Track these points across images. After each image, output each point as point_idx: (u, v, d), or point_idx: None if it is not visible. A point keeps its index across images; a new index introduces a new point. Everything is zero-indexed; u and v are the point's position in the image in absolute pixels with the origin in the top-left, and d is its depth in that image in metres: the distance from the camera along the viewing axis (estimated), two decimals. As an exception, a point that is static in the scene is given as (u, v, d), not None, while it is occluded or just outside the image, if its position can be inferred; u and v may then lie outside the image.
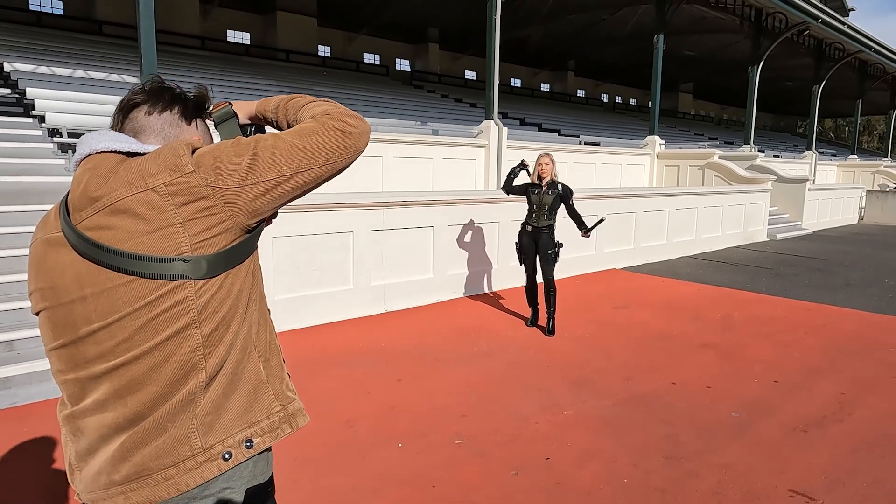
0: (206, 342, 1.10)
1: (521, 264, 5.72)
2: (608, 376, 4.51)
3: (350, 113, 1.22)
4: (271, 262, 5.25)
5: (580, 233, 5.58)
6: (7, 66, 10.95)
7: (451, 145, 10.32)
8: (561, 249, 5.67)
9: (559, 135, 17.21)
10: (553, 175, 5.55)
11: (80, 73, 11.51)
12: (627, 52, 26.32)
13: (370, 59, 25.65)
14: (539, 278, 5.68)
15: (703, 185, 13.46)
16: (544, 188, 5.50)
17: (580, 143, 14.33)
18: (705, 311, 6.59)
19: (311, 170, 1.13)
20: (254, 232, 1.17)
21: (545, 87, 33.16)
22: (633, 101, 37.92)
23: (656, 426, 3.67)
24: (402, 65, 26.81)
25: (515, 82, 31.99)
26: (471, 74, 28.86)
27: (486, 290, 7.19)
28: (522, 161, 5.74)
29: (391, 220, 6.09)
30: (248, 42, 21.81)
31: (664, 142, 15.01)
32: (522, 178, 5.71)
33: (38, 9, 17.93)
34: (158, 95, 1.22)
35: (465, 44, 25.67)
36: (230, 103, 1.30)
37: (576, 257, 8.27)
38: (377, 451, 3.27)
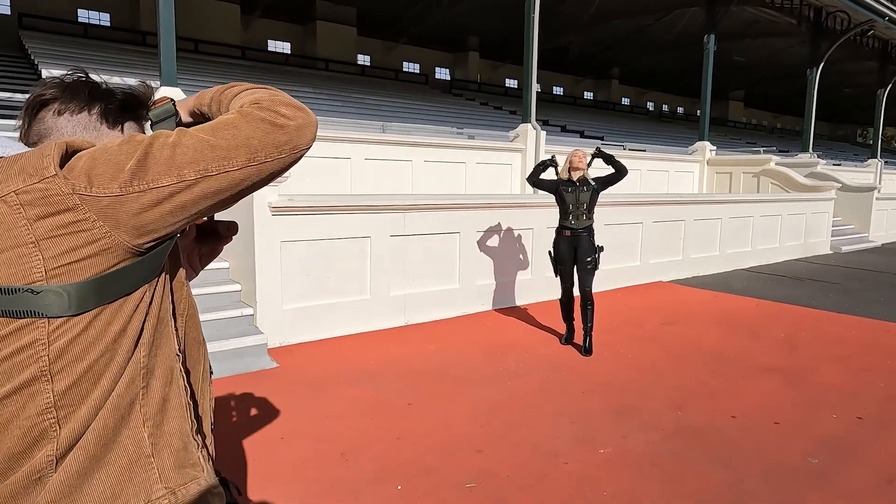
0: (61, 401, 0.84)
1: (556, 275, 5.14)
2: (655, 404, 3.88)
3: (287, 101, 0.94)
4: (280, 268, 4.83)
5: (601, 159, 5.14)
6: (45, 73, 11.05)
7: (485, 149, 9.81)
8: (602, 254, 5.09)
9: (602, 141, 16.49)
10: (586, 172, 5.00)
11: (115, 80, 11.49)
12: (674, 58, 25.41)
13: (410, 67, 25.47)
14: (576, 290, 5.09)
15: (758, 193, 12.55)
16: (578, 185, 4.94)
17: (624, 150, 13.61)
18: (765, 329, 5.86)
19: (225, 173, 0.87)
20: (149, 255, 0.89)
21: (588, 96, 32.40)
22: (680, 110, 36.72)
23: (715, 469, 3.04)
24: (442, 73, 26.55)
25: (557, 90, 31.35)
26: (511, 83, 28.39)
27: (518, 303, 6.62)
28: (553, 157, 5.19)
29: (413, 224, 5.61)
30: (289, 51, 21.89)
31: (715, 148, 14.14)
32: (550, 175, 5.15)
33: (86, 20, 18.36)
34: (74, 92, 1.01)
35: (505, 52, 25.19)
36: (172, 100, 1.03)
37: (617, 269, 7.61)
38: (372, 492, 2.75)
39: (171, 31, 6.59)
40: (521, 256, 6.59)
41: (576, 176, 4.96)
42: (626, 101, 33.73)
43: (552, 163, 5.16)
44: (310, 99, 16.56)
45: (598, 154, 5.11)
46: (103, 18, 18.76)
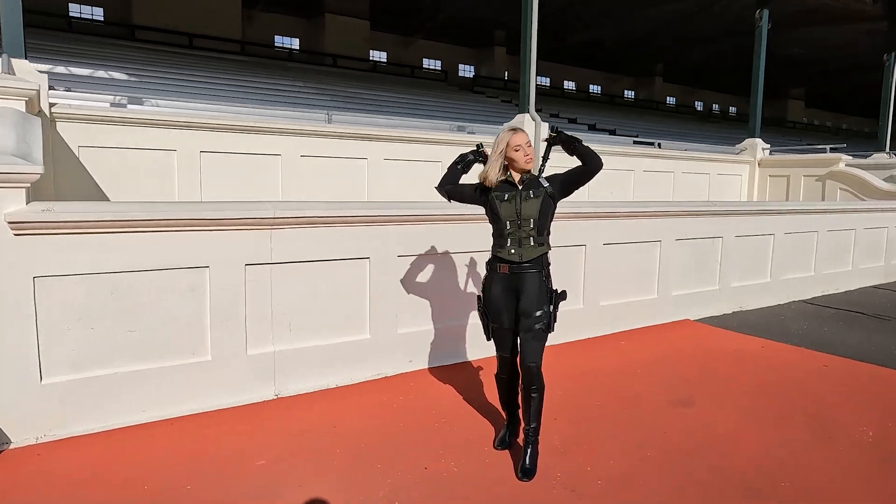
0: None
1: (488, 337, 3.16)
2: None
3: None
4: (34, 319, 3.02)
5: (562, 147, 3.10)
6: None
7: (460, 144, 7.84)
8: (563, 303, 3.11)
9: (635, 142, 14.25)
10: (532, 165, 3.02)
11: (100, 73, 10.13)
12: (725, 52, 22.76)
13: (430, 64, 23.70)
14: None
15: (823, 201, 10.13)
16: (521, 189, 2.96)
17: (656, 147, 11.42)
18: (841, 414, 3.70)
19: None
20: None
21: (629, 94, 29.91)
22: (732, 110, 33.73)
23: None
24: (466, 70, 24.66)
25: (595, 88, 29.00)
26: (542, 80, 26.23)
27: (469, 357, 4.63)
28: (479, 146, 3.23)
29: (287, 247, 3.73)
30: (298, 47, 20.43)
31: (768, 146, 11.74)
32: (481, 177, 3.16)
33: (77, 15, 17.32)
34: None
35: (538, 47, 23.03)
36: None
37: (620, 305, 5.53)
38: None
39: (17, 5, 4.94)
40: (468, 290, 4.60)
41: (517, 174, 2.99)
42: (671, 100, 31.06)
43: (478, 156, 3.20)
44: (313, 97, 15.02)
45: (556, 138, 3.10)
46: (96, 13, 17.69)
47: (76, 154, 5.44)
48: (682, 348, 5.17)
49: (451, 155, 6.07)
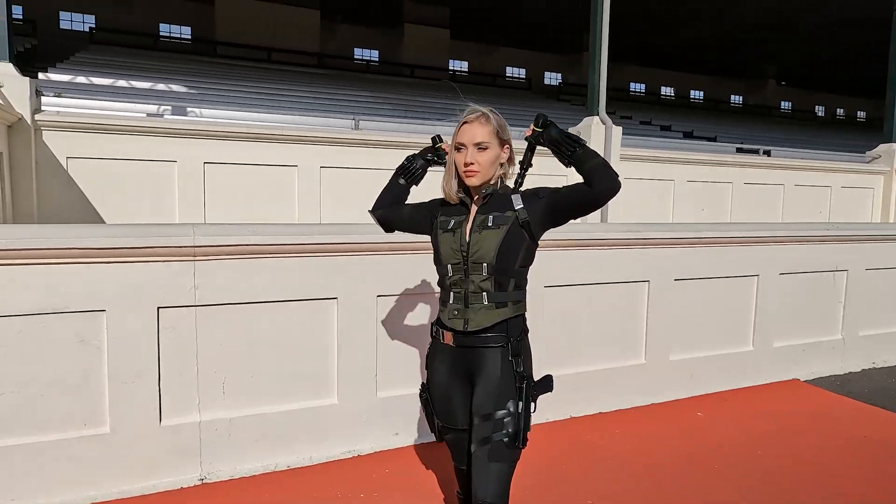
0: None
1: (438, 437, 2.06)
2: None
3: None
4: None
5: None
6: (42, 76, 9.91)
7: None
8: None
9: (738, 150, 12.37)
10: (502, 170, 1.90)
11: (122, 83, 10.08)
12: (852, 46, 19.95)
13: (513, 72, 22.65)
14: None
15: None
16: (474, 210, 1.88)
17: (762, 155, 9.65)
18: None
19: None
20: None
21: (736, 99, 27.26)
22: (861, 114, 29.93)
23: None
24: (552, 78, 23.36)
25: (696, 94, 26.66)
26: (637, 86, 24.42)
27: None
28: (436, 140, 2.15)
29: (217, 284, 2.82)
30: (377, 59, 20.12)
31: (910, 152, 9.61)
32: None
33: (167, 34, 17.92)
34: None
35: (627, 50, 21.38)
36: None
37: (702, 359, 4.18)
38: None
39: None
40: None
41: (476, 182, 1.87)
42: (786, 104, 28.00)
43: (436, 158, 2.13)
44: (389, 108, 14.48)
45: (540, 135, 1.92)
46: (184, 31, 18.25)
47: (64, 166, 4.92)
48: (786, 424, 3.74)
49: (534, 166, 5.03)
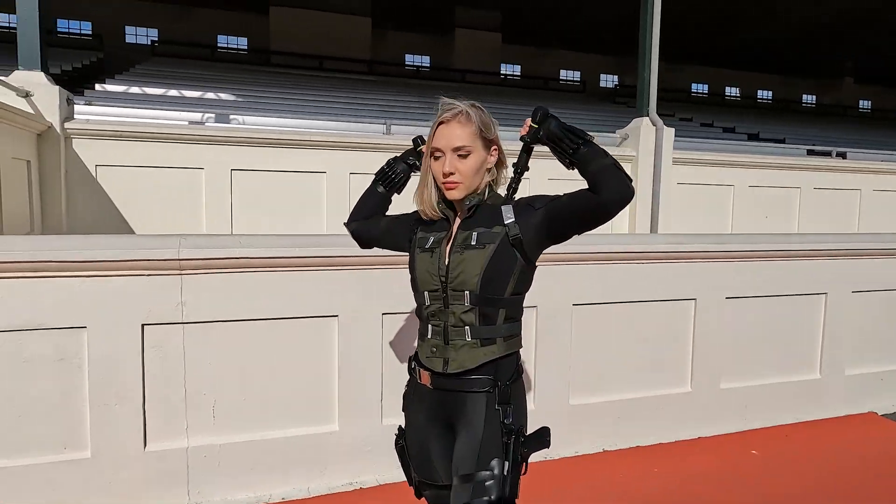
0: None
1: (417, 493, 1.75)
2: None
3: None
4: None
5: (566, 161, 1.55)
6: (98, 86, 10.24)
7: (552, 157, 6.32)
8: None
9: (809, 151, 11.46)
10: (490, 176, 1.58)
11: (172, 93, 10.28)
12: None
13: (567, 75, 22.08)
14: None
15: None
16: (456, 225, 1.57)
17: (835, 157, 8.82)
18: None
19: None
20: None
21: (808, 99, 25.68)
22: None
23: None
24: (608, 80, 22.64)
25: (764, 94, 25.27)
26: (699, 87, 23.36)
27: (555, 455, 3.17)
28: (417, 142, 1.84)
29: (207, 300, 2.61)
30: (428, 65, 20.04)
31: None
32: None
33: (225, 45, 18.39)
34: None
35: (691, 50, 20.47)
36: None
37: (754, 388, 3.69)
38: None
39: (33, 15, 4.53)
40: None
41: (458, 195, 1.56)
42: (864, 104, 26.15)
43: (416, 160, 1.84)
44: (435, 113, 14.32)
45: (537, 132, 1.56)
46: (241, 42, 18.69)
47: (93, 174, 4.90)
48: (862, 466, 3.22)
49: (573, 171, 4.76)
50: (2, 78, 4.48)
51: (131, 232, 5.06)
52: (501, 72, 20.26)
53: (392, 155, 1.92)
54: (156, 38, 18.02)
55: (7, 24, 15.82)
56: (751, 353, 3.67)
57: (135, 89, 10.39)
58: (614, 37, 20.70)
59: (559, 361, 3.19)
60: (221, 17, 18.25)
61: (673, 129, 6.49)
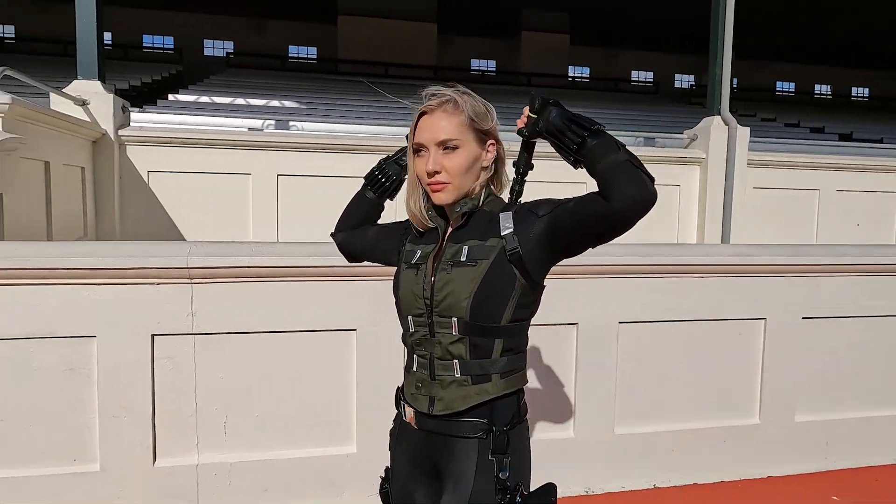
0: None
1: None
2: None
3: None
4: None
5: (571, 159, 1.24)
6: (171, 96, 10.67)
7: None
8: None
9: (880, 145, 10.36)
10: (486, 175, 1.34)
11: (239, 101, 10.57)
12: None
13: (640, 76, 21.25)
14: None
15: None
16: (446, 235, 1.34)
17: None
18: None
19: None
20: None
21: (912, 96, 23.50)
22: None
23: None
24: (683, 80, 21.62)
25: (859, 91, 23.41)
26: (785, 85, 21.91)
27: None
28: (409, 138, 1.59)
29: (218, 310, 2.49)
30: (494, 69, 19.84)
31: None
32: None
33: (295, 55, 18.90)
34: None
35: (773, 47, 19.23)
36: None
37: (836, 422, 3.20)
38: None
39: (91, 27, 4.67)
40: (545, 382, 2.85)
41: (446, 198, 1.31)
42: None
43: (400, 166, 1.60)
44: (498, 116, 14.11)
45: (535, 124, 1.26)
46: (311, 52, 19.14)
47: (145, 179, 4.98)
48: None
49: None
50: (62, 90, 4.63)
51: (181, 237, 5.11)
52: (569, 74, 19.74)
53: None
54: (231, 51, 18.75)
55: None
56: (834, 383, 3.19)
57: (204, 98, 10.76)
58: (690, 35, 19.73)
59: (603, 385, 2.86)
60: (292, 28, 18.78)
61: (748, 129, 5.93)
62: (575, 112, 1.27)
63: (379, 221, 1.64)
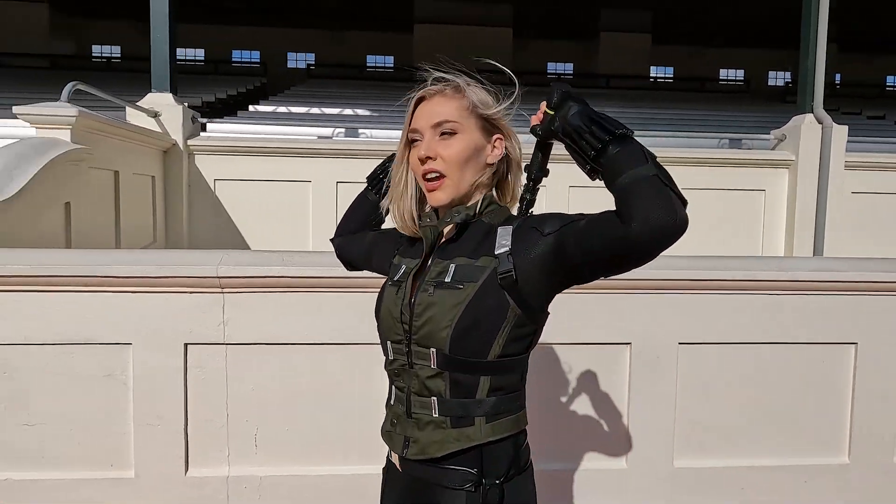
0: None
1: None
2: None
3: None
4: None
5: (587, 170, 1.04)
6: (251, 107, 11.09)
7: (701, 163, 5.48)
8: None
9: None
10: (489, 172, 1.18)
11: (314, 111, 10.85)
12: None
13: (729, 74, 20.09)
14: None
15: None
16: (433, 248, 1.17)
17: None
18: None
19: None
20: None
21: None
22: None
23: None
24: (777, 78, 20.23)
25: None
26: (892, 80, 20.01)
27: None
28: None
29: (249, 320, 2.44)
30: (571, 72, 19.40)
31: None
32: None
33: (373, 64, 19.27)
34: None
35: (881, 37, 17.63)
36: None
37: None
38: None
39: (164, 42, 4.88)
40: (593, 408, 2.61)
41: (443, 196, 1.15)
42: None
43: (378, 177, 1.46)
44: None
45: (550, 123, 1.06)
46: (388, 61, 19.47)
47: (212, 188, 5.13)
48: None
49: (716, 178, 4.21)
50: (135, 103, 4.85)
51: (245, 244, 5.22)
52: (651, 75, 18.96)
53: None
54: (312, 62, 19.40)
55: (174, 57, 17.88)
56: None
57: (282, 109, 11.12)
58: (783, 28, 18.44)
59: (661, 413, 2.59)
60: (370, 38, 19.17)
61: (845, 128, 5.35)
62: (602, 113, 1.06)
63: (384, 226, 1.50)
